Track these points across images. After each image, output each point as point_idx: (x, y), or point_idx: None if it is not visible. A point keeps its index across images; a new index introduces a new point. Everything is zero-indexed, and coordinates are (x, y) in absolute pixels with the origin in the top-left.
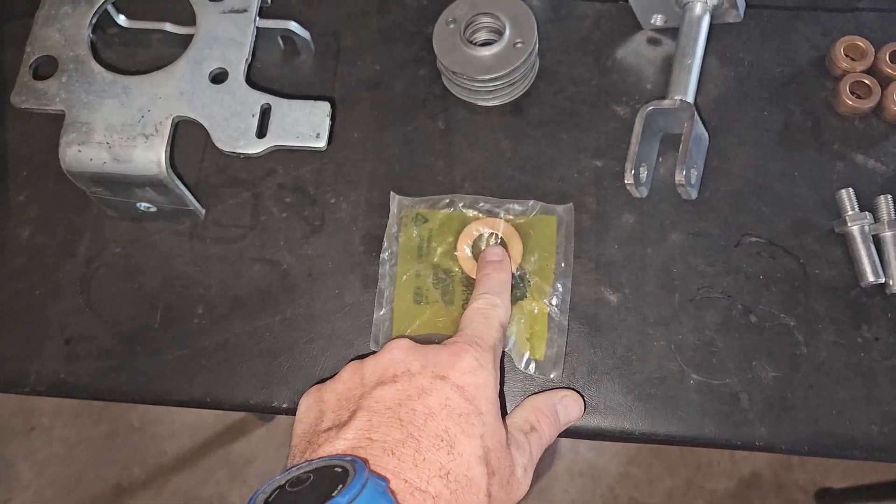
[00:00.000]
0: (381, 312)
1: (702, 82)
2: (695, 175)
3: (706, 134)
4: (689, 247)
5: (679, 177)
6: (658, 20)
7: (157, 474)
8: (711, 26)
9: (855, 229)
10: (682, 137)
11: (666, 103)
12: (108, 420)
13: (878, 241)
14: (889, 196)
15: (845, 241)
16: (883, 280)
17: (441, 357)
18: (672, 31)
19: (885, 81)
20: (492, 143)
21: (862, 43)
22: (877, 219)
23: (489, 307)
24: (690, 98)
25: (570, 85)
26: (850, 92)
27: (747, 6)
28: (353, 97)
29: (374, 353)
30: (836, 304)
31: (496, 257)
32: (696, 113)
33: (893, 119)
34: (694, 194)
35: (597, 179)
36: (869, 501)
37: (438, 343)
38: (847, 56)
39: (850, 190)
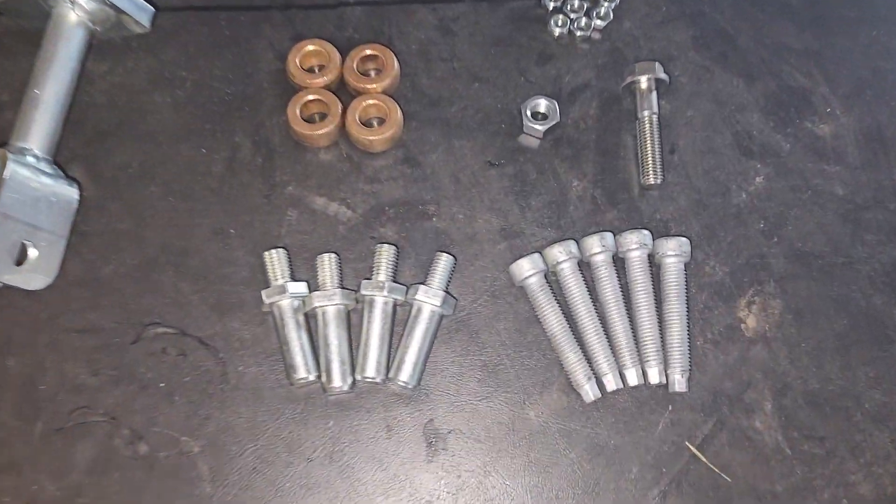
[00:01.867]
0: None
1: (128, 115)
2: (35, 255)
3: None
4: (71, 350)
5: None
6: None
7: None
8: (112, 39)
9: (281, 307)
10: None
11: None
12: None
13: (314, 319)
14: (332, 255)
15: (274, 321)
16: (314, 376)
17: None
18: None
19: (353, 96)
20: None
21: (324, 48)
22: (316, 287)
23: None
24: (38, 146)
25: None
26: (305, 115)
27: (203, 9)
28: None
29: None
30: (259, 412)
31: None
32: None
33: (361, 146)
34: (46, 281)
35: None
36: None
37: None
38: (306, 68)
39: (280, 251)
